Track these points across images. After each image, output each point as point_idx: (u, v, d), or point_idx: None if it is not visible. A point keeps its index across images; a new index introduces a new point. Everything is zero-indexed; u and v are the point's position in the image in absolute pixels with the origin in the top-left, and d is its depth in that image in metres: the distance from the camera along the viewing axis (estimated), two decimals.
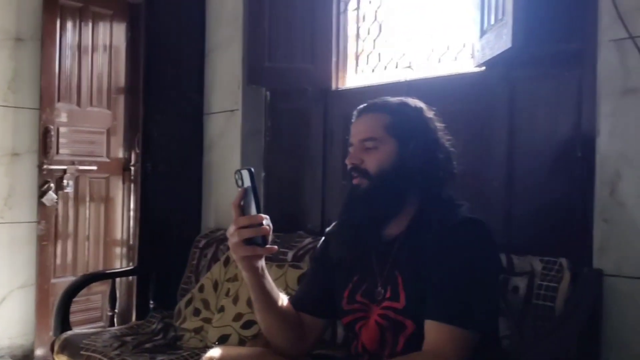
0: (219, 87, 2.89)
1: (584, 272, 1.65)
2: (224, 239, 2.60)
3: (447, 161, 1.35)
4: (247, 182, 1.17)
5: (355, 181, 1.33)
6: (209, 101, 2.94)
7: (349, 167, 1.35)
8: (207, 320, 2.26)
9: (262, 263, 1.26)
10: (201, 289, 2.39)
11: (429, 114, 1.37)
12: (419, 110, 1.36)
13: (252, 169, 1.18)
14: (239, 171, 1.18)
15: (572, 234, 1.81)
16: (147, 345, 2.19)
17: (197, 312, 2.33)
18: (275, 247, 1.22)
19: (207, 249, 2.64)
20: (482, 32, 1.96)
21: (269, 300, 1.32)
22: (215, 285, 2.36)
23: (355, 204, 1.32)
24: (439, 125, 1.37)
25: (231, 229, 1.18)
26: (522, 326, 1.65)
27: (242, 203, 1.18)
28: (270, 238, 1.19)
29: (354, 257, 1.37)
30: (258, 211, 1.16)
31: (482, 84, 2.06)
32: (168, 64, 2.88)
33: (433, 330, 1.18)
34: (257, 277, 1.27)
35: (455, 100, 2.09)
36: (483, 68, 2.02)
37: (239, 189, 1.18)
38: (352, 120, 1.39)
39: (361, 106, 1.39)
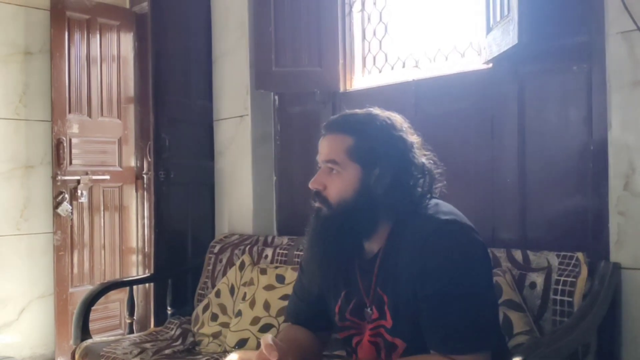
0: (227, 93, 2.91)
1: (601, 266, 1.64)
2: (239, 244, 2.63)
3: (424, 178, 1.25)
4: None
5: (317, 205, 1.28)
6: (218, 107, 2.96)
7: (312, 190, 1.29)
8: (225, 325, 2.28)
9: None
10: (218, 294, 2.41)
11: (401, 126, 1.27)
12: (386, 128, 1.25)
13: None
14: None
15: (588, 228, 1.81)
16: (167, 352, 2.22)
17: (214, 317, 2.35)
18: None
19: (221, 254, 2.65)
20: (489, 29, 1.96)
21: None
22: (232, 290, 2.38)
23: (318, 229, 1.27)
24: (413, 138, 1.27)
25: None
26: (541, 322, 1.65)
27: None
28: None
29: (338, 272, 1.32)
30: None
31: (491, 81, 2.06)
32: (176, 72, 2.90)
33: None
34: None
35: (464, 97, 2.10)
36: (490, 65, 2.03)
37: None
38: (320, 137, 1.32)
39: (327, 122, 1.32)
